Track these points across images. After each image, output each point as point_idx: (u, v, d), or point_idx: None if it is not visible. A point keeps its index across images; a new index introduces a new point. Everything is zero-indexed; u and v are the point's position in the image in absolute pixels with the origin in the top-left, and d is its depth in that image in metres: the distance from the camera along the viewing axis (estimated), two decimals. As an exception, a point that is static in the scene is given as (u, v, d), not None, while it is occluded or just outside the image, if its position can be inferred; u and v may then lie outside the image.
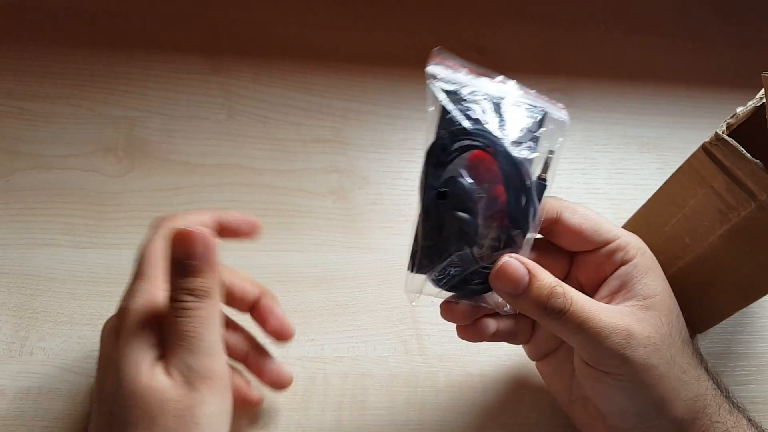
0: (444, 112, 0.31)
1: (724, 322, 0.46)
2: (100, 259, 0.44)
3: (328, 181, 0.50)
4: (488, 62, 0.59)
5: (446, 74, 0.32)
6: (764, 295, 0.41)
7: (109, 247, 0.45)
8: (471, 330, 0.36)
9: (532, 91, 0.33)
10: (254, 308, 0.38)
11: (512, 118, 0.32)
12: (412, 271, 0.33)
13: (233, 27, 0.57)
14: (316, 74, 0.56)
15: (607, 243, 0.36)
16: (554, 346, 0.39)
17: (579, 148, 0.55)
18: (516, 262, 0.32)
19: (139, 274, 0.34)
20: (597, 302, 0.33)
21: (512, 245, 0.33)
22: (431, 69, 0.32)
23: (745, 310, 0.45)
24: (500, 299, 0.35)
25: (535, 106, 0.33)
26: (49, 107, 0.50)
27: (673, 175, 0.41)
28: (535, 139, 0.32)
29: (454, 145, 0.31)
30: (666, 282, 0.36)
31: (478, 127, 0.31)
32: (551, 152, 0.33)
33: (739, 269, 0.40)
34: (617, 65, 0.61)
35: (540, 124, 0.33)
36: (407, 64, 0.58)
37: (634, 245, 0.36)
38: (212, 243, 0.33)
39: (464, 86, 0.32)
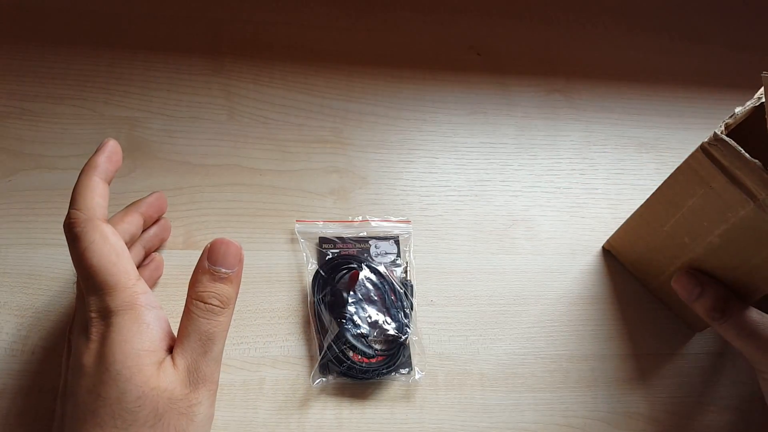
0: (321, 255, 0.46)
1: (722, 321, 0.46)
2: (102, 259, 0.45)
3: (329, 182, 0.51)
4: (487, 63, 0.59)
5: (316, 229, 0.47)
6: (763, 294, 0.41)
7: (111, 247, 0.45)
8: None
9: (381, 221, 0.48)
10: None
11: (375, 249, 0.47)
12: (321, 374, 0.42)
13: (234, 28, 0.57)
14: (317, 75, 0.56)
15: None
16: None
17: (578, 149, 0.55)
18: (690, 276, 0.42)
19: (102, 282, 0.33)
20: (765, 316, 0.40)
21: (404, 328, 0.43)
22: (299, 228, 0.47)
23: (743, 309, 0.45)
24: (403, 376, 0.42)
25: (388, 237, 0.47)
26: (50, 108, 0.51)
27: (672, 175, 0.41)
28: (395, 261, 0.46)
29: (330, 269, 0.45)
30: None
31: (344, 255, 0.46)
32: (407, 263, 0.47)
33: (738, 269, 0.40)
34: (616, 65, 0.61)
35: (397, 244, 0.47)
36: (407, 64, 0.58)
37: None
38: (242, 258, 0.34)
39: (334, 235, 0.47)
